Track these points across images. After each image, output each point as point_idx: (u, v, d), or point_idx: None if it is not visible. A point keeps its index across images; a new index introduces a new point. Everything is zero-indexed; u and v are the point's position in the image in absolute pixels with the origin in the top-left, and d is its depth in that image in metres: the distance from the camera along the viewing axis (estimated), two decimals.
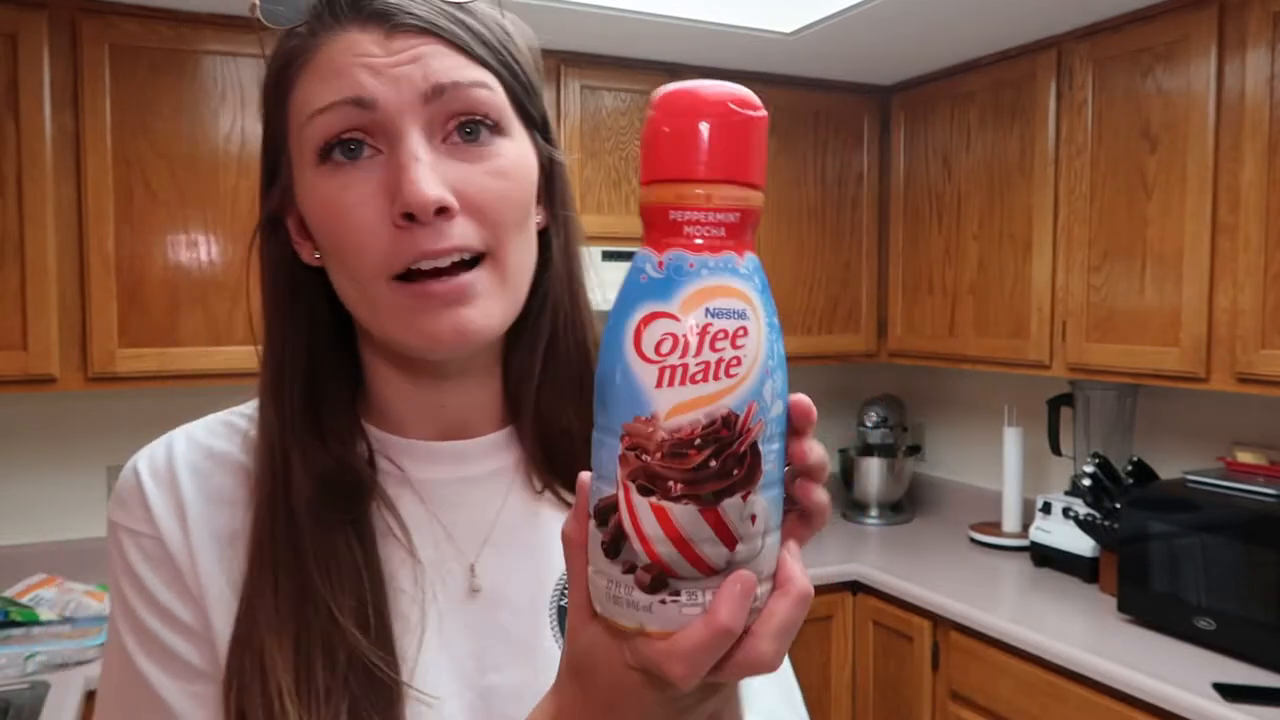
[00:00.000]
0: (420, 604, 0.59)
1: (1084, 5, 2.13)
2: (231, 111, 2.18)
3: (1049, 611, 2.14)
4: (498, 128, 0.57)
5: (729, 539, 0.38)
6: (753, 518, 0.38)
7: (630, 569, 0.38)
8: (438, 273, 0.54)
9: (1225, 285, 1.96)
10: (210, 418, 0.64)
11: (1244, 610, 1.82)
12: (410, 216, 0.52)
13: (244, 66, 2.19)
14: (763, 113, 0.39)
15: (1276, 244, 1.87)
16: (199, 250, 2.16)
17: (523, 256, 0.58)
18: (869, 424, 3.05)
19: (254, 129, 2.19)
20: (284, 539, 0.56)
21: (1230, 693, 1.69)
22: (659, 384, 0.36)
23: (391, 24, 0.54)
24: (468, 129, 0.55)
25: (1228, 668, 1.81)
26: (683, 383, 0.36)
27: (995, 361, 2.54)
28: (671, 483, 0.37)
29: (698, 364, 0.36)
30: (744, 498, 0.38)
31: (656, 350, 0.37)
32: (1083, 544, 2.33)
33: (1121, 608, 2.06)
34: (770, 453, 0.39)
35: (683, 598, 0.38)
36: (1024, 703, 2.02)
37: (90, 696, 1.80)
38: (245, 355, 2.23)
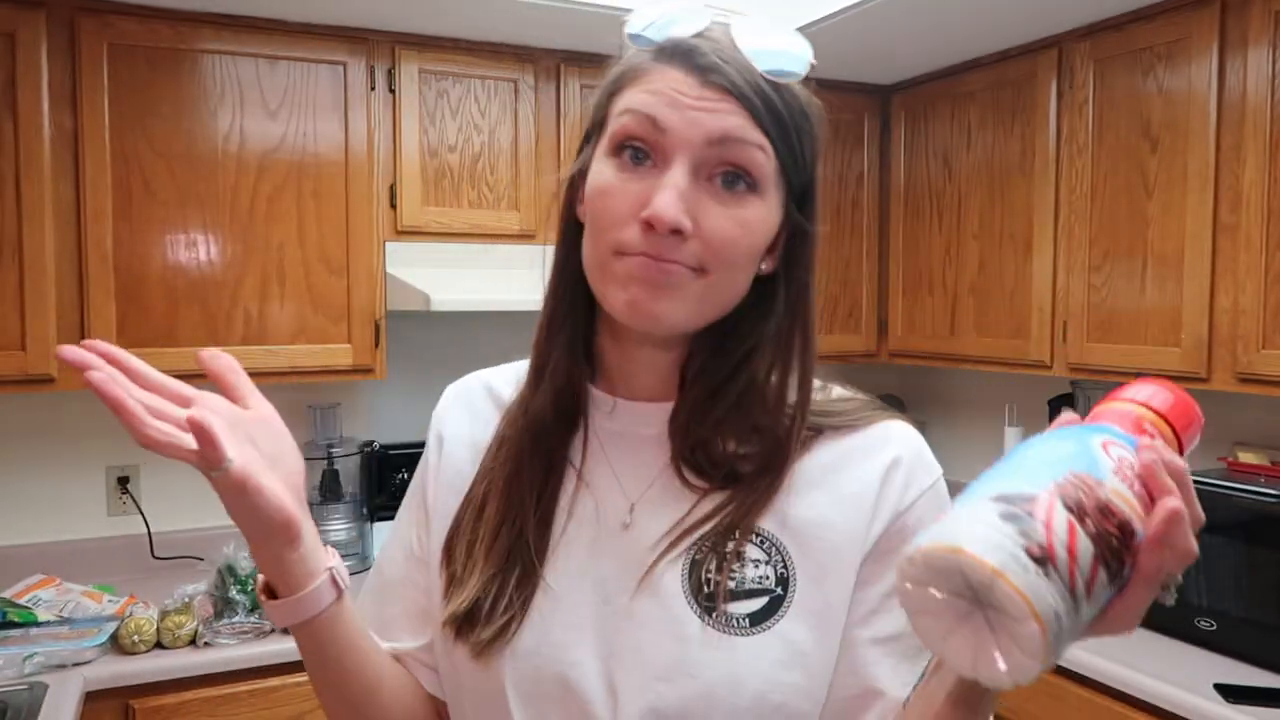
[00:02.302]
0: (579, 524, 0.74)
1: (1085, 4, 2.13)
2: (230, 111, 2.17)
3: None
4: (755, 186, 0.67)
5: (1072, 580, 0.47)
6: (1089, 587, 0.47)
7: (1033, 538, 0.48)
8: (654, 257, 0.65)
9: (1226, 285, 1.96)
10: (512, 363, 0.84)
11: (1245, 611, 1.82)
12: (651, 225, 0.64)
13: (243, 66, 2.18)
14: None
15: (1277, 244, 1.86)
16: (198, 249, 2.16)
17: (730, 287, 0.69)
18: None
19: (252, 128, 2.20)
20: (515, 441, 0.75)
21: (1231, 693, 1.69)
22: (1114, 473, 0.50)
23: (707, 76, 0.66)
24: (729, 177, 0.66)
25: (1229, 668, 1.80)
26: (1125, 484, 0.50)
27: (996, 361, 2.53)
28: (1090, 522, 0.47)
29: (1139, 489, 0.50)
30: (1096, 571, 0.47)
31: (1119, 463, 0.50)
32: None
33: None
34: (1113, 577, 0.49)
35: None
36: (1024, 703, 2.01)
37: (88, 698, 1.80)
38: (244, 354, 2.21)
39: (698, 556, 0.69)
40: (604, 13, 2.16)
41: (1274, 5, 1.86)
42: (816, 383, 0.76)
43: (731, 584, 0.68)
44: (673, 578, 0.69)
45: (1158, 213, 2.09)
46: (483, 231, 2.41)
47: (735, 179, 0.66)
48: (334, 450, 2.45)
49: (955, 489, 2.23)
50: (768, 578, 0.69)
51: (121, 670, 1.85)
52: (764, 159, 0.67)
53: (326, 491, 2.43)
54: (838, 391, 0.78)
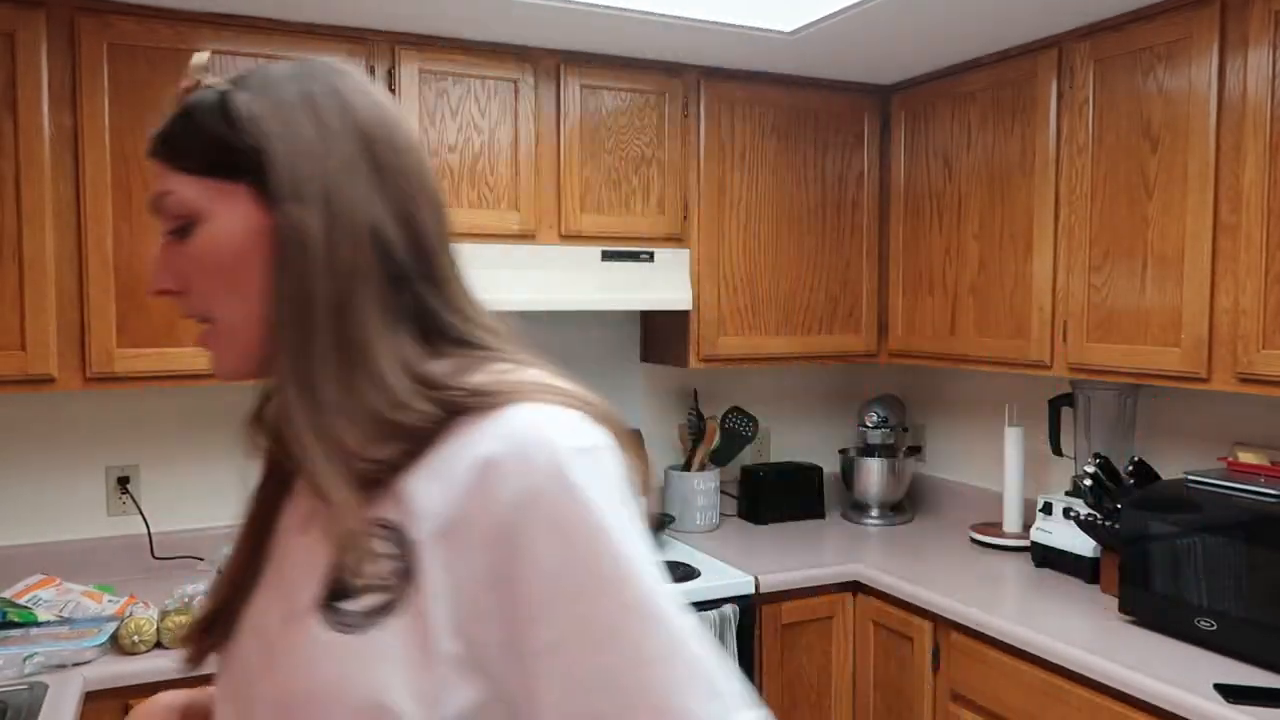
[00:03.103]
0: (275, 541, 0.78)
1: (1085, 4, 2.13)
2: None
3: (1050, 612, 2.14)
4: (192, 218, 0.72)
5: None
6: None
7: None
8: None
9: (1226, 285, 1.96)
10: None
11: (1245, 611, 1.82)
12: None
13: (243, 66, 2.18)
14: None
15: (1277, 244, 1.86)
16: None
17: (240, 316, 0.72)
18: (869, 424, 3.05)
19: None
20: (250, 496, 0.82)
21: (1231, 693, 1.69)
22: None
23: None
24: (174, 232, 0.73)
25: (1229, 668, 1.80)
26: None
27: (996, 361, 2.53)
28: None
29: None
30: None
31: None
32: (1084, 544, 2.32)
33: (1122, 608, 2.05)
34: None
35: None
36: (1024, 703, 2.01)
37: (88, 698, 1.80)
38: None
39: (327, 560, 0.69)
40: (604, 12, 2.16)
41: (1274, 5, 1.86)
42: (505, 365, 0.73)
43: (359, 582, 0.66)
44: (305, 583, 0.70)
45: (1158, 213, 2.09)
46: (482, 231, 2.41)
47: (174, 226, 0.73)
48: None
49: (956, 489, 2.26)
50: (389, 572, 0.66)
51: (121, 670, 1.85)
52: (175, 198, 0.73)
53: None
54: (531, 374, 0.72)
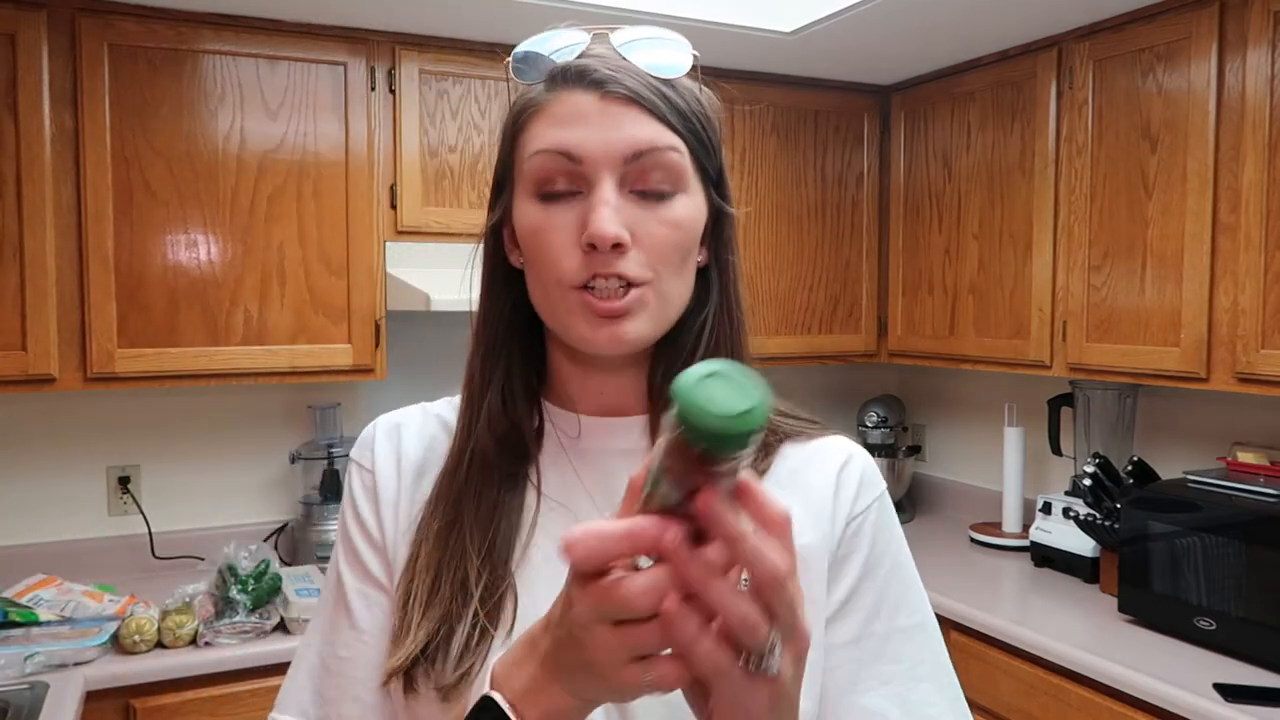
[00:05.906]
0: (554, 544, 0.71)
1: (1085, 4, 2.13)
2: (230, 111, 2.18)
3: (1049, 612, 2.14)
4: (678, 185, 0.69)
5: None
6: None
7: None
8: (605, 294, 0.68)
9: (1226, 285, 1.96)
10: (444, 399, 0.84)
11: (1244, 610, 1.82)
12: (593, 245, 0.66)
13: (243, 66, 2.19)
14: None
15: (1277, 244, 1.86)
16: (198, 250, 2.16)
17: (676, 287, 0.71)
18: (869, 424, 3.05)
19: (252, 129, 2.20)
20: (456, 479, 0.74)
21: (1231, 693, 1.69)
22: None
23: (606, 89, 0.68)
24: (655, 183, 0.68)
25: (1228, 668, 1.80)
26: None
27: (995, 361, 2.53)
28: None
29: None
30: None
31: None
32: (1083, 544, 2.32)
33: (1122, 608, 2.05)
34: None
35: None
36: (1024, 703, 2.01)
37: (89, 697, 1.80)
38: (244, 355, 2.23)
39: None
40: (603, 12, 2.16)
41: (1273, 5, 1.86)
42: None
43: None
44: None
45: (1157, 213, 2.09)
46: (483, 232, 2.41)
47: (661, 183, 0.69)
48: (334, 450, 2.45)
49: (956, 488, 2.26)
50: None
51: (122, 670, 1.85)
52: (679, 158, 0.69)
53: (326, 491, 2.43)
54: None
